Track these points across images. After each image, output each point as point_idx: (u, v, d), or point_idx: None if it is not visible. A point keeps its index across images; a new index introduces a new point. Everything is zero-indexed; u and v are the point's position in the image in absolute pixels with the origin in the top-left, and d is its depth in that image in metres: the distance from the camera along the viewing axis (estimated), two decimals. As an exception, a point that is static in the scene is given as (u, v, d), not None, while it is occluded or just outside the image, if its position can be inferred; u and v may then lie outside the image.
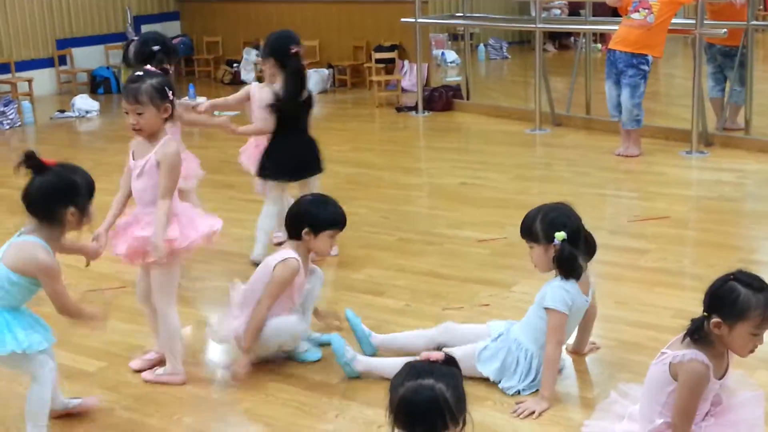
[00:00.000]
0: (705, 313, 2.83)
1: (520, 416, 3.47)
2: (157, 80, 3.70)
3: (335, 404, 3.64)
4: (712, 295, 2.83)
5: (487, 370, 3.74)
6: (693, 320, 2.87)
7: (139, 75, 3.71)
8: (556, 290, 3.64)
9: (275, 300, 3.87)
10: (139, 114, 3.66)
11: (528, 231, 3.71)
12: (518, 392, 3.67)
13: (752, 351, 2.83)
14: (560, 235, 3.62)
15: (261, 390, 3.81)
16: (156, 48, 4.88)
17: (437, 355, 2.51)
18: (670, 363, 2.84)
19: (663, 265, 5.04)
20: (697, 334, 2.82)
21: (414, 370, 2.44)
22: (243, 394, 3.78)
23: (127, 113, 3.69)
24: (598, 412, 3.20)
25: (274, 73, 5.24)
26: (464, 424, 2.42)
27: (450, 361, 2.51)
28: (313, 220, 3.94)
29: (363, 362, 3.88)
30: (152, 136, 3.71)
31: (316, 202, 4.06)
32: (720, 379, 2.87)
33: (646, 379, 2.99)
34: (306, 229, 3.92)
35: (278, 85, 5.23)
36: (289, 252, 3.92)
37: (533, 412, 3.49)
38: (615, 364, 3.87)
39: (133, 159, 3.76)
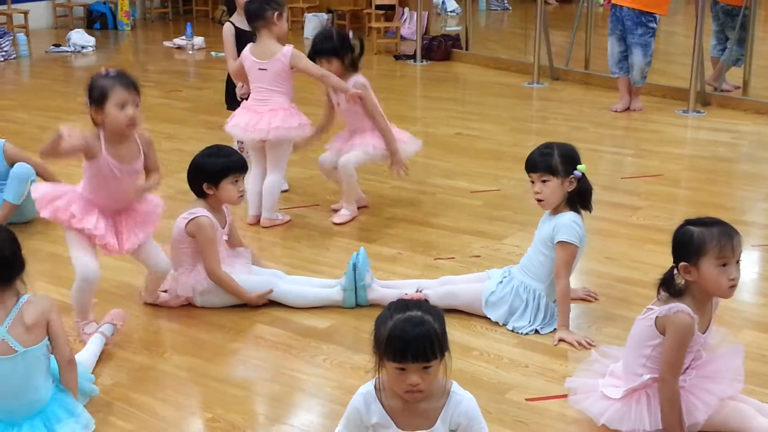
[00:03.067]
0: (673, 265, 2.93)
1: (578, 349, 3.61)
2: None
3: (323, 349, 3.67)
4: (673, 246, 2.95)
5: (495, 315, 3.83)
6: (664, 274, 2.96)
7: None
8: (569, 224, 3.71)
9: (217, 255, 3.96)
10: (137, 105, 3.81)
11: (547, 165, 3.72)
12: (536, 331, 3.76)
13: (733, 286, 2.86)
14: (582, 168, 3.71)
15: (250, 332, 3.84)
16: None
17: (419, 296, 2.56)
18: (657, 317, 2.89)
19: (654, 222, 5.05)
20: (672, 288, 2.91)
21: (400, 305, 2.48)
22: (232, 335, 3.80)
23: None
24: (580, 371, 3.24)
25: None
26: (443, 359, 2.44)
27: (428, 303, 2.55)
28: (208, 173, 4.00)
29: (377, 291, 3.97)
30: None
31: (207, 155, 4.09)
32: (703, 333, 2.92)
33: (630, 334, 3.04)
34: (206, 184, 3.99)
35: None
36: (197, 210, 3.98)
37: (577, 343, 3.63)
38: (603, 318, 3.90)
39: None
